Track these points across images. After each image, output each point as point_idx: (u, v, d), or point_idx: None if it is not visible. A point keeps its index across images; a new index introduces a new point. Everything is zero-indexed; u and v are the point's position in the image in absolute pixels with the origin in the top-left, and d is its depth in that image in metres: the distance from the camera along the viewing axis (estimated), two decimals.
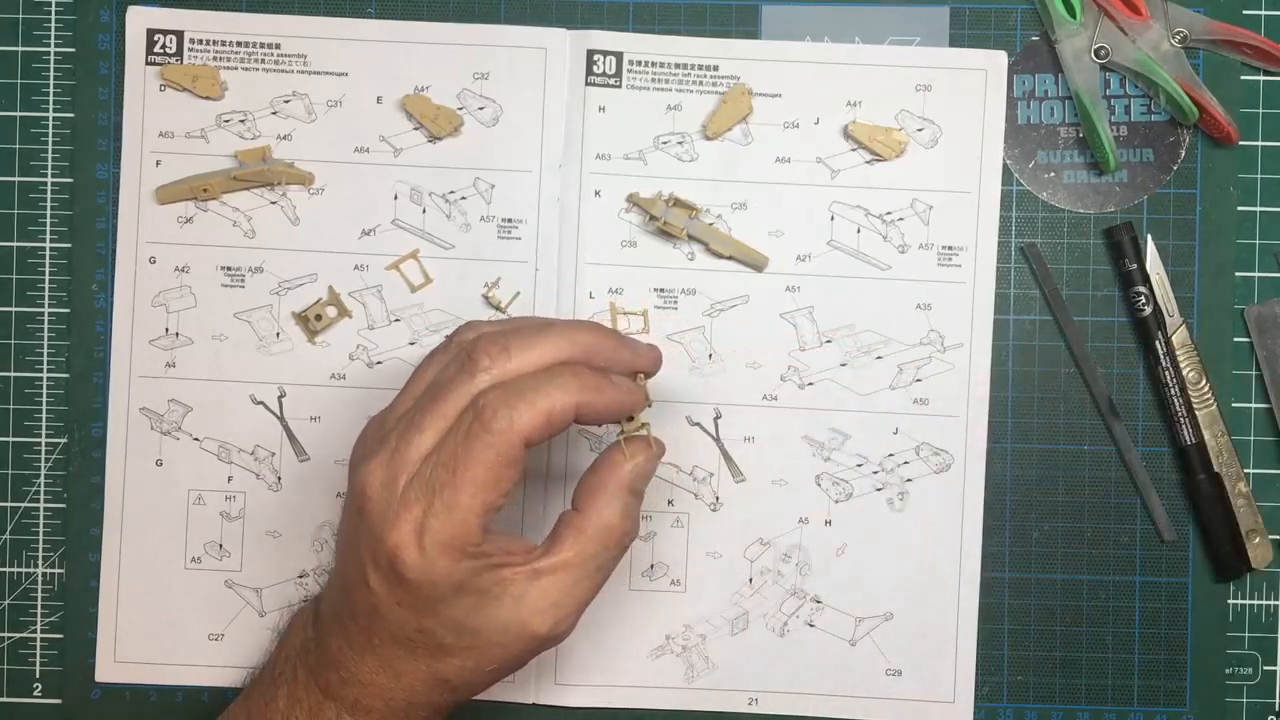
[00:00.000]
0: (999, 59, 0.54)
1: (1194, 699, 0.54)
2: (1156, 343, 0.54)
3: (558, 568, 0.42)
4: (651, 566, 0.54)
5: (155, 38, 0.54)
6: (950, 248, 0.54)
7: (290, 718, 0.44)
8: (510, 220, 0.54)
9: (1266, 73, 0.54)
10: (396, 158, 0.54)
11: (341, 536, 0.45)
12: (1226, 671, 0.54)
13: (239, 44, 0.54)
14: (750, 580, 0.54)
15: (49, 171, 0.55)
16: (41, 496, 0.55)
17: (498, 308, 0.54)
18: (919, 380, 0.54)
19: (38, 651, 0.55)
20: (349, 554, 0.43)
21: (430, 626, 0.42)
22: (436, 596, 0.41)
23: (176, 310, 0.54)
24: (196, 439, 0.54)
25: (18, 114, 0.55)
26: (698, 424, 0.54)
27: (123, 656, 0.54)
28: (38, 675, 0.55)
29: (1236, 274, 0.54)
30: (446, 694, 0.44)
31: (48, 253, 0.55)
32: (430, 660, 0.42)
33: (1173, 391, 0.54)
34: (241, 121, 0.54)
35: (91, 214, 0.55)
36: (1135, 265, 0.54)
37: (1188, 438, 0.54)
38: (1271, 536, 0.54)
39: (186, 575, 0.55)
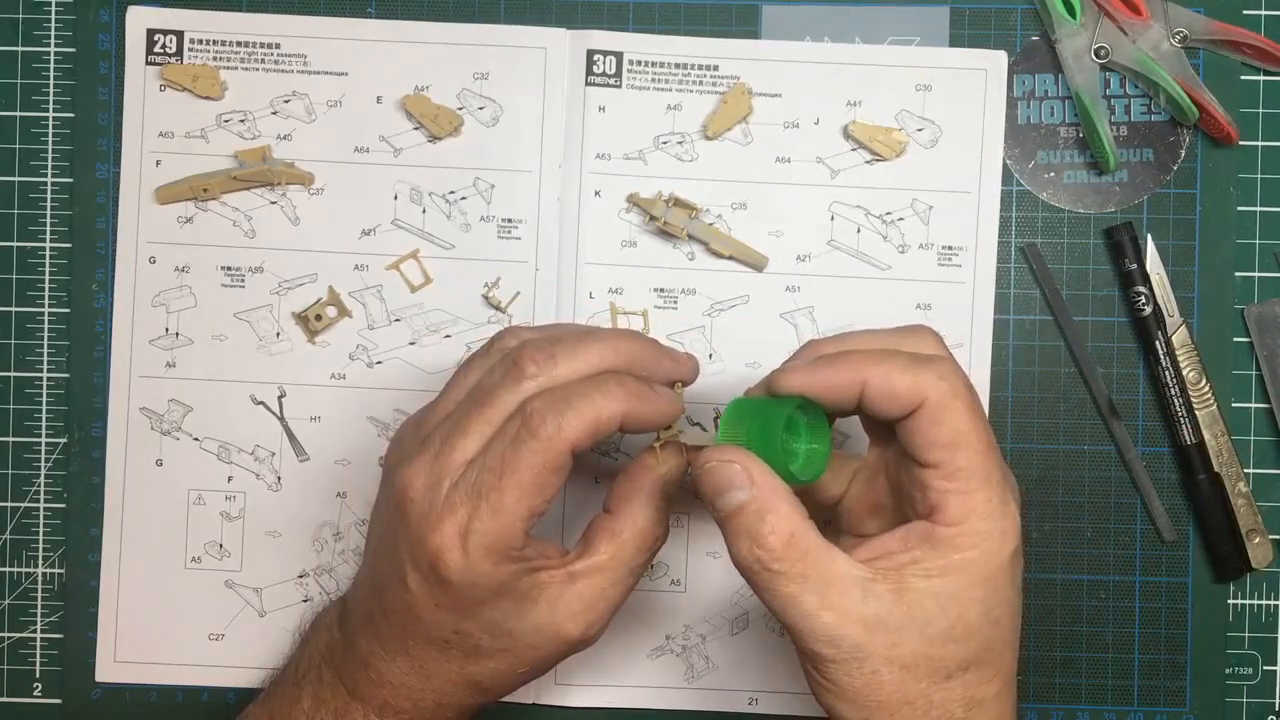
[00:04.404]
0: (999, 59, 0.54)
1: (1194, 699, 0.54)
2: (1156, 343, 0.54)
3: (592, 571, 0.42)
4: (652, 566, 0.54)
5: (155, 38, 0.54)
6: (950, 248, 0.54)
7: (315, 719, 0.44)
8: (510, 220, 0.54)
9: (1266, 73, 0.54)
10: (396, 158, 0.54)
11: (375, 536, 0.45)
12: (1226, 671, 0.54)
13: (239, 44, 0.54)
14: None
15: (49, 171, 0.55)
16: (41, 496, 0.55)
17: (498, 307, 0.54)
18: None
19: (38, 651, 0.55)
20: (385, 554, 0.43)
21: (467, 628, 0.42)
22: (476, 599, 0.41)
23: (176, 310, 0.54)
24: (196, 439, 0.54)
25: (18, 114, 0.55)
26: (698, 424, 0.54)
27: (123, 656, 0.54)
28: (38, 675, 0.55)
29: (1236, 274, 0.54)
30: (477, 695, 0.44)
31: (48, 253, 0.55)
32: (464, 662, 0.42)
33: (1173, 391, 0.54)
34: (241, 121, 0.54)
35: (91, 214, 0.55)
36: (1135, 265, 0.54)
37: (1188, 438, 0.54)
38: (1271, 536, 0.54)
39: (186, 575, 0.55)
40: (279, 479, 0.55)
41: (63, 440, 0.55)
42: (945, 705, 0.39)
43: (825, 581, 0.38)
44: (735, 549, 0.39)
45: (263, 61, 0.54)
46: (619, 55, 0.54)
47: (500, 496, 0.40)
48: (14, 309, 0.55)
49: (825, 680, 0.40)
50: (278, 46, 0.54)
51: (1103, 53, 0.54)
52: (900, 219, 0.54)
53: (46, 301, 0.55)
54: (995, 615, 0.39)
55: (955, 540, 0.39)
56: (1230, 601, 0.54)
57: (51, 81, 0.55)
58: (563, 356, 0.42)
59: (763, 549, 0.38)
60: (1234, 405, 0.54)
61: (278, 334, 0.54)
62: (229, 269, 0.54)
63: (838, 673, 0.39)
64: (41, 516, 0.55)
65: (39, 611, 0.55)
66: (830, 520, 0.45)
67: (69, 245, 0.55)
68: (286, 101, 0.54)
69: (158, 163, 0.54)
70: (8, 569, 0.55)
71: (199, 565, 0.55)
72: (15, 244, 0.55)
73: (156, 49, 0.54)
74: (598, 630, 0.43)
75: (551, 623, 0.42)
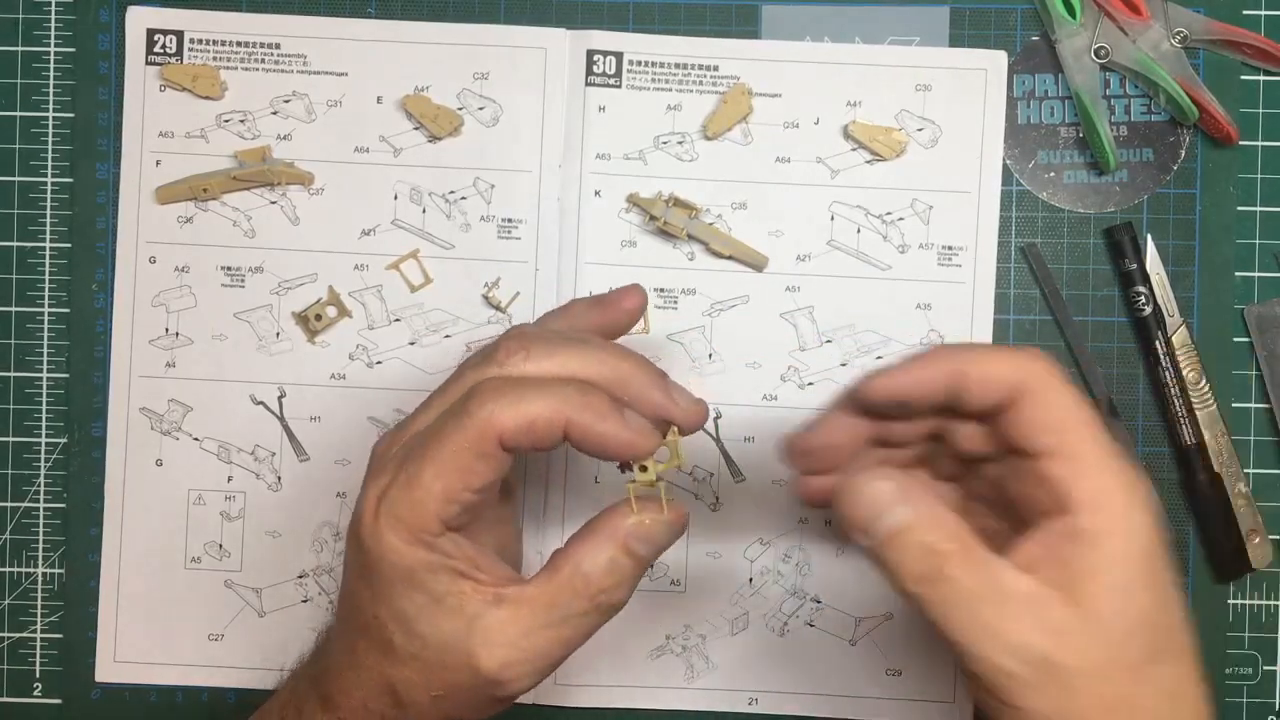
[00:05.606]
0: (999, 59, 0.54)
1: None
2: (1156, 343, 0.54)
3: (520, 600, 0.39)
4: (652, 566, 0.54)
5: (155, 38, 0.54)
6: (950, 248, 0.54)
7: (284, 715, 0.43)
8: (510, 220, 0.54)
9: (1266, 73, 0.54)
10: (396, 158, 0.54)
11: None
12: (1226, 671, 0.54)
13: (239, 44, 0.54)
14: (750, 580, 0.54)
15: (49, 171, 0.55)
16: (41, 496, 0.55)
17: (498, 307, 0.54)
18: None
19: (38, 651, 0.55)
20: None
21: (382, 616, 0.40)
22: (385, 577, 0.39)
23: (176, 310, 0.54)
24: (196, 439, 0.54)
25: (18, 114, 0.55)
26: None
27: (123, 656, 0.54)
28: (38, 675, 0.55)
29: (1236, 274, 0.54)
30: (394, 708, 0.41)
31: (48, 253, 0.55)
32: (380, 657, 0.40)
33: (1173, 391, 0.54)
34: (241, 121, 0.54)
35: (91, 214, 0.55)
36: (1135, 265, 0.54)
37: (1188, 438, 0.54)
38: (1271, 536, 0.54)
39: (186, 575, 0.55)
40: (279, 479, 0.55)
41: (63, 440, 0.55)
42: (1148, 706, 0.36)
43: (1000, 592, 0.36)
44: (907, 569, 0.37)
45: (263, 61, 0.54)
46: (619, 55, 0.54)
47: (418, 467, 0.39)
48: (14, 309, 0.55)
49: (1014, 706, 0.36)
50: (278, 46, 0.54)
51: (1103, 53, 0.54)
52: (900, 219, 0.54)
53: (46, 301, 0.55)
54: (1163, 596, 0.36)
55: (1101, 526, 0.36)
56: (1230, 601, 0.54)
57: (51, 81, 0.55)
58: (537, 352, 0.40)
59: (943, 561, 0.36)
60: (1234, 405, 0.54)
61: (278, 334, 0.54)
62: (229, 269, 0.54)
63: (1029, 694, 0.35)
64: (41, 516, 0.55)
65: (39, 611, 0.55)
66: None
67: (69, 245, 0.55)
68: (286, 101, 0.54)
69: (158, 163, 0.54)
70: (8, 569, 0.55)
71: (199, 565, 0.55)
72: (15, 244, 0.55)
73: (156, 49, 0.54)
74: (516, 674, 0.39)
75: (466, 643, 0.39)
